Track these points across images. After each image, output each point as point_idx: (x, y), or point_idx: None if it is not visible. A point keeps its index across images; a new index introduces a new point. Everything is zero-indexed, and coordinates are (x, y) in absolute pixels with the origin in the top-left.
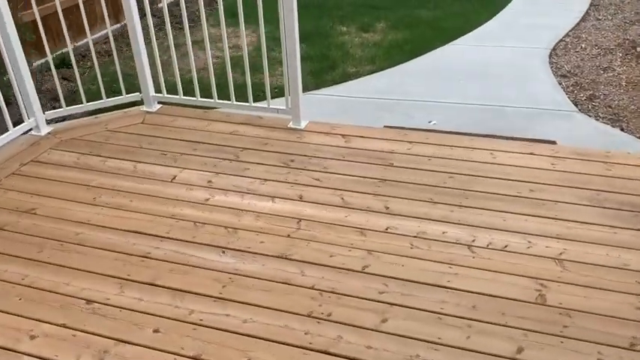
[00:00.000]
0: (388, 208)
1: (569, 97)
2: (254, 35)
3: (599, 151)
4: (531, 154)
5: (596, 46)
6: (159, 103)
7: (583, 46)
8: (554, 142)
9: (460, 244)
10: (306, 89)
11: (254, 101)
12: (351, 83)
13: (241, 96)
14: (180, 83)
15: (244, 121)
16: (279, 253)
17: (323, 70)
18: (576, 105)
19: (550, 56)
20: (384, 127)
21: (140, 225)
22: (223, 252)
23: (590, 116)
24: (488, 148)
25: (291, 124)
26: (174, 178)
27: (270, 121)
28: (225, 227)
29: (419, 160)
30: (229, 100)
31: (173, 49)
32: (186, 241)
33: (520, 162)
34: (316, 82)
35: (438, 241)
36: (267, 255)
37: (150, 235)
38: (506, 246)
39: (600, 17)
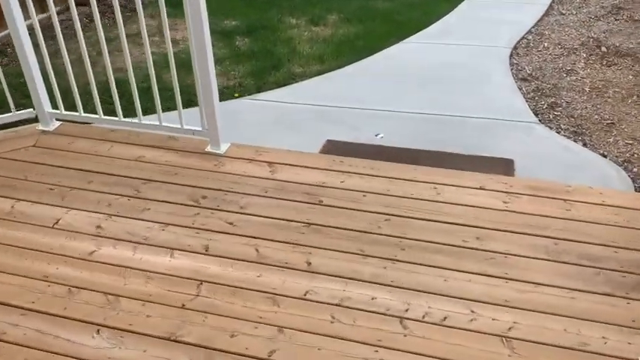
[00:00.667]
0: (310, 264)
1: (529, 105)
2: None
3: (558, 186)
4: (481, 188)
5: (560, 44)
6: (58, 120)
7: (546, 44)
8: (510, 162)
9: (391, 315)
10: (245, 92)
11: (188, 107)
12: (295, 86)
13: (172, 102)
14: (78, 96)
15: (155, 143)
16: (168, 333)
17: (266, 70)
18: (537, 114)
19: (511, 56)
20: (327, 141)
21: (2, 291)
22: (97, 332)
23: (551, 128)
24: (432, 182)
25: (209, 148)
26: (56, 223)
27: (185, 143)
28: (105, 294)
29: (353, 196)
30: (154, 114)
31: (65, 53)
32: (55, 315)
33: (468, 199)
34: (257, 84)
35: (364, 311)
36: (151, 336)
37: (11, 306)
38: (445, 318)
39: (564, 12)
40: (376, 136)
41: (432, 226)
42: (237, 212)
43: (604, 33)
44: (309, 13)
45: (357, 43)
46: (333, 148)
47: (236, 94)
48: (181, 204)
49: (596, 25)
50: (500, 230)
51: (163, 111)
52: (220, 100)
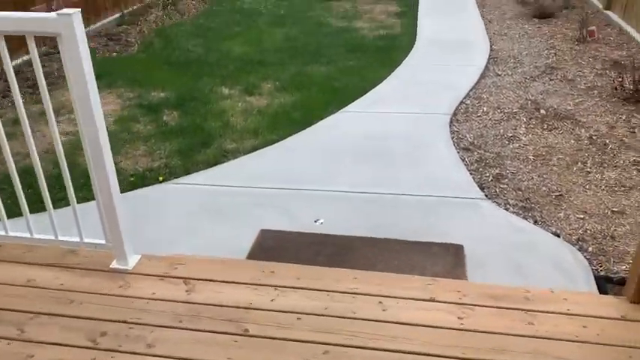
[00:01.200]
0: None
1: (474, 178)
2: (117, 102)
3: (516, 291)
4: (432, 300)
5: (499, 108)
6: None
7: (485, 109)
8: (460, 248)
9: None
10: (171, 175)
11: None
12: (226, 166)
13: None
14: None
15: (49, 260)
16: None
17: (195, 148)
18: (482, 188)
19: (451, 123)
20: (261, 231)
21: None
22: None
23: (499, 204)
24: (377, 293)
25: (114, 264)
26: None
27: (86, 258)
28: None
29: (285, 320)
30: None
31: None
32: None
33: (418, 316)
34: (185, 164)
35: None
36: None
37: None
38: None
39: (500, 72)
40: (315, 222)
41: (378, 356)
42: (142, 354)
43: (541, 94)
44: (244, 81)
45: (293, 114)
46: (267, 240)
47: (160, 178)
48: (75, 346)
49: (533, 86)
50: (456, 358)
51: (78, 202)
52: (142, 186)
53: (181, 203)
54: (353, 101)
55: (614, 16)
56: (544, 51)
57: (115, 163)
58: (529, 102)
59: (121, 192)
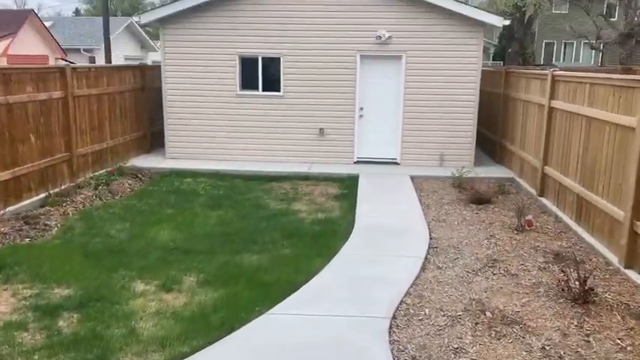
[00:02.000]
0: None
1: None
2: (10, 303)
3: None
4: None
5: (442, 310)
6: None
7: (427, 311)
8: None
9: None
10: None
11: None
12: None
13: None
14: None
15: None
16: None
17: None
18: None
19: (390, 329)
20: None
21: None
22: None
23: None
24: None
25: None
26: None
27: None
28: None
29: None
30: None
31: None
32: None
33: None
34: None
35: None
36: None
37: None
38: None
39: (441, 265)
40: None
41: None
42: None
43: (485, 292)
44: (163, 275)
45: (213, 317)
46: None
47: None
48: None
49: (476, 282)
50: None
51: None
52: None
53: None
54: (283, 299)
55: (548, 203)
56: (484, 240)
57: None
58: (473, 302)
59: None
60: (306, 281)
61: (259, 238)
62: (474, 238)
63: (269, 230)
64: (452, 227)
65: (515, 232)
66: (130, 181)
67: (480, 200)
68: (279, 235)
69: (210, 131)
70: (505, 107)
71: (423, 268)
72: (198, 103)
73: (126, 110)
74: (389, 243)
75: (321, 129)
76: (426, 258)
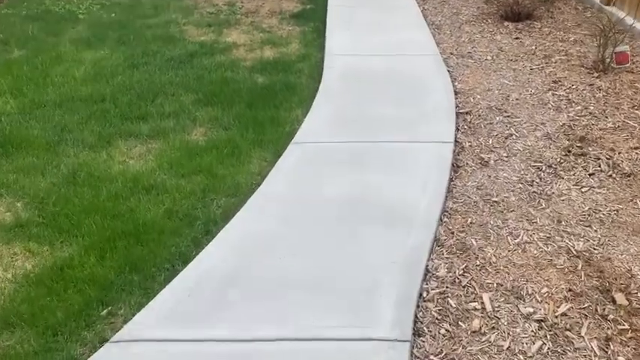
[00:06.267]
0: None
1: None
2: None
3: None
4: None
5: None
6: None
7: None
8: None
9: None
10: None
11: None
12: None
13: None
14: None
15: None
16: None
17: None
18: None
19: None
20: None
21: None
22: None
23: None
24: None
25: None
26: None
27: None
28: None
29: None
30: None
31: None
32: None
33: None
34: None
35: None
36: None
37: None
38: None
39: (485, 156)
40: None
41: None
42: None
43: (597, 244)
44: None
45: None
46: None
47: None
48: None
49: (563, 196)
50: None
51: None
52: None
53: None
54: (164, 286)
55: (623, 15)
56: (547, 93)
57: None
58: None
59: None
60: (225, 223)
61: (153, 108)
62: (526, 88)
63: (175, 86)
64: (485, 67)
65: (596, 73)
66: None
67: (518, 15)
68: (192, 97)
69: None
70: None
71: (455, 167)
72: None
73: None
74: (382, 112)
75: None
76: (456, 142)
